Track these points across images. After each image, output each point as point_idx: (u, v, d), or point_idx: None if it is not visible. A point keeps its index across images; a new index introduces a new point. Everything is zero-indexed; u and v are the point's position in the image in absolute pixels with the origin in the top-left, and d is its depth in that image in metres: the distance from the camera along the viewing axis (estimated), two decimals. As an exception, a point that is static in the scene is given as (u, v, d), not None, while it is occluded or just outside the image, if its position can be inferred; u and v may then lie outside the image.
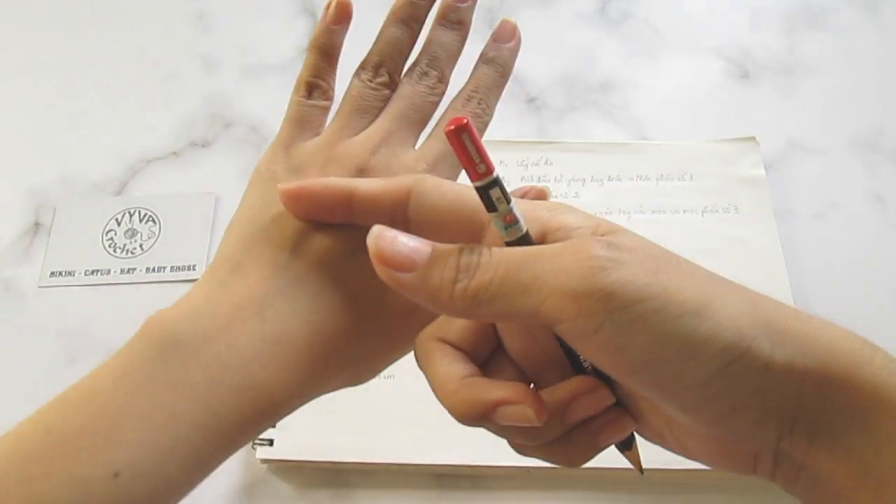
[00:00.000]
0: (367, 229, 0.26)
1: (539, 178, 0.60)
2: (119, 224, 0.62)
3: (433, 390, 0.29)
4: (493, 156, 0.25)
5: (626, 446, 0.31)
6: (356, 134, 0.35)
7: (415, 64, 0.37)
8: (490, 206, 0.26)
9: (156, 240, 0.61)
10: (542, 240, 0.27)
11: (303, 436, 0.50)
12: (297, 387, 0.29)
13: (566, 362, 0.29)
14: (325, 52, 0.36)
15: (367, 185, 0.30)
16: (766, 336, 0.24)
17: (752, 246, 0.56)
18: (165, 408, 0.27)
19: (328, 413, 0.50)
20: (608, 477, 0.49)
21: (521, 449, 0.30)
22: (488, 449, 0.49)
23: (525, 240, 0.26)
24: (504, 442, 0.48)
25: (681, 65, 0.67)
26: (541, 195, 0.32)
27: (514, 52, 0.38)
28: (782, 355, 0.24)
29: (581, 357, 0.28)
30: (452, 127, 0.25)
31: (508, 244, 0.26)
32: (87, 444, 0.26)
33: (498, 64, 0.37)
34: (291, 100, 0.36)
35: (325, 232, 0.31)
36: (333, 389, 0.32)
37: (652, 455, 0.47)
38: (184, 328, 0.29)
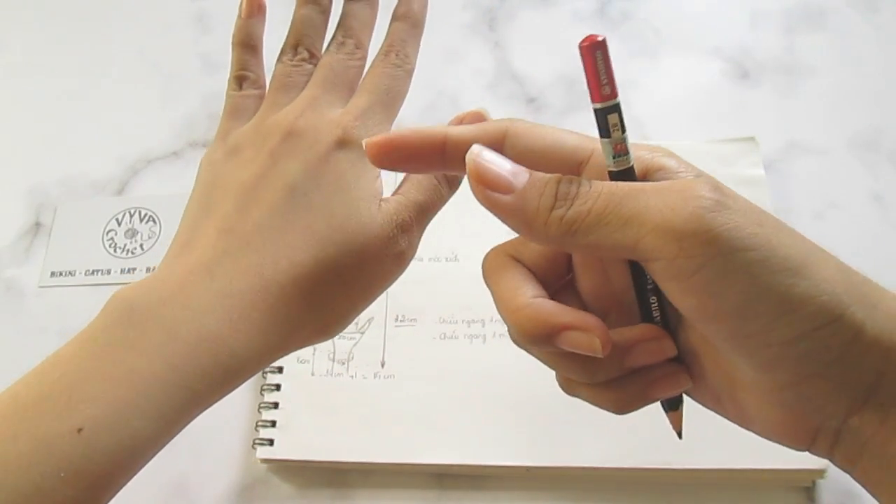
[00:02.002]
0: (298, 176, 0.29)
1: (539, 178, 0.60)
2: (119, 224, 0.62)
3: (497, 304, 0.28)
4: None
5: (673, 406, 0.30)
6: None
7: (332, 38, 0.38)
8: (604, 132, 0.25)
9: (156, 240, 0.61)
10: (643, 178, 0.27)
11: (303, 436, 0.50)
12: (257, 335, 0.30)
13: (635, 308, 0.28)
14: (246, 45, 0.39)
15: (460, 130, 0.29)
16: (861, 306, 0.24)
17: (752, 246, 0.56)
18: (124, 365, 0.28)
19: (328, 413, 0.51)
20: (608, 477, 0.49)
21: (569, 385, 0.29)
22: (488, 449, 0.49)
23: (629, 173, 0.26)
24: (504, 442, 0.48)
25: (681, 65, 0.66)
26: (477, 118, 0.31)
27: (424, 4, 0.39)
28: (873, 327, 0.24)
29: (653, 306, 0.28)
30: (587, 43, 0.24)
31: (612, 174, 0.26)
32: (50, 406, 0.27)
33: (409, 17, 0.38)
34: (225, 96, 0.38)
35: (263, 194, 0.33)
36: (303, 342, 0.33)
37: (652, 455, 0.47)
38: (140, 296, 0.30)
